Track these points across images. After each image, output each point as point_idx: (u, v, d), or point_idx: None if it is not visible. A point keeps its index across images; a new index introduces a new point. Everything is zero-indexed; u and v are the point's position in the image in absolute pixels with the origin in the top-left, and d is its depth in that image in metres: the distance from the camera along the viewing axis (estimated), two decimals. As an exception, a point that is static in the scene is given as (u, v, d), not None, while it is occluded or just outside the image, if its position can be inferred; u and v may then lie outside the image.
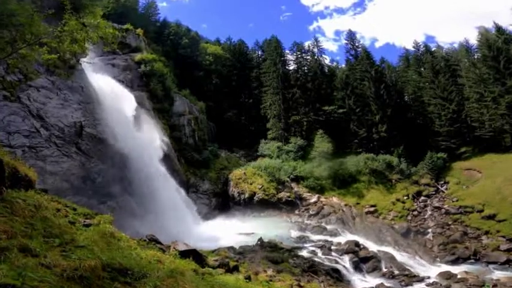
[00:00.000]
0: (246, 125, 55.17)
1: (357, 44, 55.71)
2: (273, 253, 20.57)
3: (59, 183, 19.86)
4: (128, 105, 28.42)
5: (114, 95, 27.53)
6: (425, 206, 32.97)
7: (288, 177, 38.04)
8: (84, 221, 8.94)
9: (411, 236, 28.90)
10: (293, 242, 25.45)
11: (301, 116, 48.38)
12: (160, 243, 12.91)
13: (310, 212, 33.65)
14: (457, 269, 21.98)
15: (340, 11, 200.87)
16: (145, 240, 12.51)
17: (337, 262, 21.49)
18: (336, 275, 19.21)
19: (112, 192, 23.31)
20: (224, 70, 59.64)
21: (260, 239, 23.15)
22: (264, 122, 50.39)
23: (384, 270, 21.77)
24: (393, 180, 37.19)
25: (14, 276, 3.04)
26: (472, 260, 23.70)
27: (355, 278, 20.21)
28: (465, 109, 41.16)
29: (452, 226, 28.64)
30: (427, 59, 48.43)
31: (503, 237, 24.94)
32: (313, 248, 23.94)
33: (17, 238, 4.03)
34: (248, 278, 12.27)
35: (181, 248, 11.82)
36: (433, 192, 34.51)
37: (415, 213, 32.23)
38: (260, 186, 35.63)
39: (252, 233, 26.82)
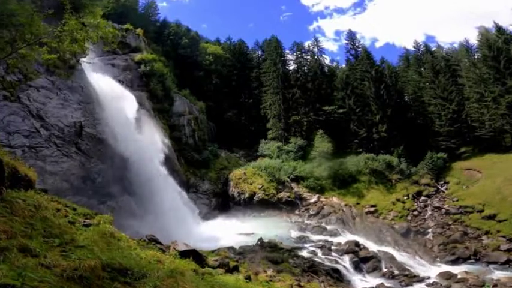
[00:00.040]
0: (246, 125, 55.15)
1: (357, 44, 55.80)
2: (273, 253, 20.56)
3: (59, 183, 19.87)
4: (129, 106, 28.31)
5: (114, 95, 27.49)
6: (426, 206, 32.96)
7: (288, 177, 38.03)
8: (84, 221, 8.94)
9: (411, 236, 28.89)
10: (293, 242, 25.43)
11: (301, 116, 48.36)
12: (160, 243, 12.90)
13: (310, 212, 33.63)
14: (457, 269, 21.96)
15: (340, 11, 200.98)
16: (145, 240, 12.50)
17: (337, 262, 21.49)
18: (336, 275, 19.21)
19: (112, 192, 23.32)
20: (224, 70, 59.63)
21: (260, 239, 23.13)
22: (264, 122, 50.37)
23: (384, 270, 21.76)
24: (393, 180, 37.17)
25: (13, 277, 3.03)
26: (472, 260, 23.68)
27: (355, 278, 20.20)
28: (465, 109, 41.16)
29: (452, 226, 28.63)
30: (427, 59, 48.42)
31: (504, 237, 24.93)
32: (313, 248, 23.92)
33: (16, 238, 4.02)
34: (248, 278, 12.26)
35: (181, 248, 11.81)
36: (433, 192, 34.49)
37: (415, 213, 32.23)
38: (260, 186, 35.62)
39: (252, 233, 26.80)
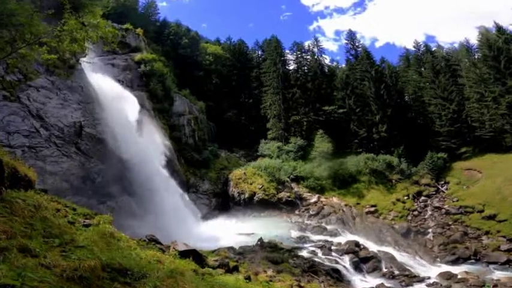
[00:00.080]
0: (246, 125, 55.15)
1: (357, 44, 55.81)
2: (273, 253, 20.54)
3: (59, 183, 19.86)
4: (130, 108, 28.25)
5: (114, 95, 27.47)
6: (426, 206, 32.96)
7: (288, 177, 38.02)
8: (84, 221, 8.93)
9: (411, 236, 28.88)
10: (293, 242, 25.42)
11: (301, 116, 48.36)
12: (160, 243, 12.90)
13: (310, 212, 33.62)
14: (458, 269, 21.95)
15: (340, 10, 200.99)
16: (145, 241, 12.50)
17: (337, 262, 21.47)
18: (336, 275, 19.19)
19: (112, 193, 23.30)
20: (224, 70, 59.64)
21: (260, 239, 23.12)
22: (264, 122, 50.37)
23: (384, 270, 21.74)
24: (393, 180, 37.17)
25: (13, 277, 3.03)
26: (473, 260, 23.68)
27: (355, 278, 20.18)
28: (465, 109, 41.16)
29: (452, 226, 28.62)
30: (427, 59, 48.41)
31: (504, 237, 24.92)
32: (313, 248, 23.90)
33: (16, 238, 4.01)
34: (248, 278, 12.25)
35: (181, 248, 11.80)
36: (434, 192, 34.49)
37: (416, 213, 32.22)
38: (260, 186, 35.61)
39: (252, 233, 26.79)
